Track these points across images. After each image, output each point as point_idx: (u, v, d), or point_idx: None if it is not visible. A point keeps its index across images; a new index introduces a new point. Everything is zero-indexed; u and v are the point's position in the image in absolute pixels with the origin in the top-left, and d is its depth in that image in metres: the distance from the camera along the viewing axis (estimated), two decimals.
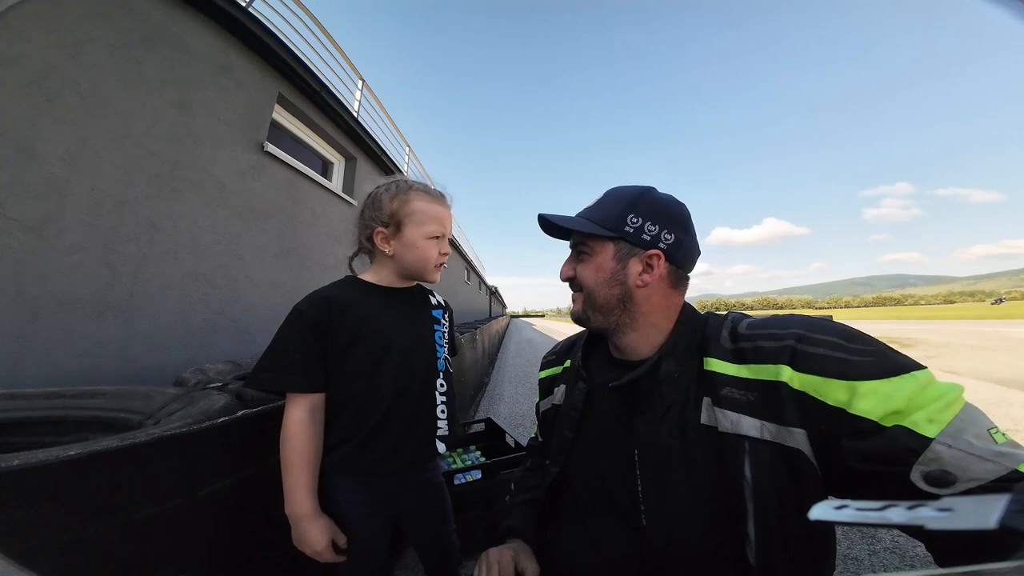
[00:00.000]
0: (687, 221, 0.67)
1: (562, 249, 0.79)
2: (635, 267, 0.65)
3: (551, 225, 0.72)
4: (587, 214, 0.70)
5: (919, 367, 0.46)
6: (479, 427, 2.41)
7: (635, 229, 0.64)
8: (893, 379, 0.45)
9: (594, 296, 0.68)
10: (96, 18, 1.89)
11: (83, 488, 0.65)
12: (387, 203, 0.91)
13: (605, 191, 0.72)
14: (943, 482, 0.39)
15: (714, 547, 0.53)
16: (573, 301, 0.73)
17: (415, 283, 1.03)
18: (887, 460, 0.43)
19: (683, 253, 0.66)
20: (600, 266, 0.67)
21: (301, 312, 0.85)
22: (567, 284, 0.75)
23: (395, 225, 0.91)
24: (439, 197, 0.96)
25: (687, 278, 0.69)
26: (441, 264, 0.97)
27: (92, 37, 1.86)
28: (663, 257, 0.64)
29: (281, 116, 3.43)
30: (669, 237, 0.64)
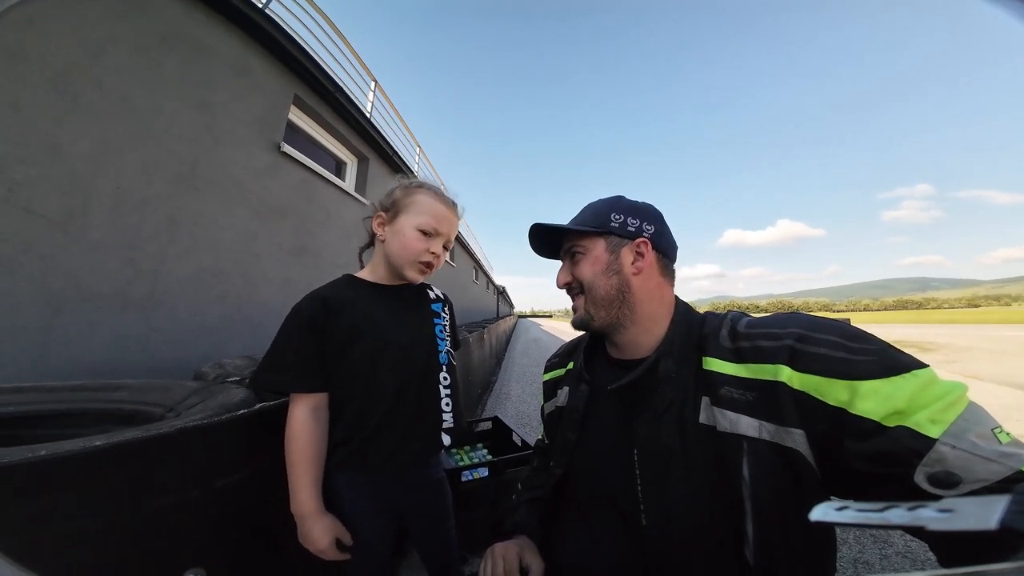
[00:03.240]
0: (660, 216, 0.72)
1: None
2: (627, 256, 0.69)
3: (541, 244, 0.78)
4: (572, 223, 0.75)
5: (921, 366, 0.46)
6: (486, 425, 2.42)
7: (619, 224, 0.69)
8: (894, 378, 0.44)
9: (595, 289, 0.70)
10: (117, 18, 1.94)
11: (107, 478, 0.67)
12: (395, 192, 0.94)
13: (583, 207, 0.77)
14: (948, 484, 0.39)
15: (714, 547, 0.53)
16: (574, 310, 0.75)
17: None
18: (890, 461, 0.42)
19: (666, 243, 0.71)
20: (596, 259, 0.70)
21: (299, 312, 0.86)
22: (565, 291, 0.78)
23: (393, 211, 0.93)
24: (446, 199, 0.96)
25: (673, 270, 0.73)
26: (427, 263, 0.93)
27: (113, 37, 1.91)
28: (650, 244, 0.68)
29: (297, 117, 3.48)
30: (650, 228, 0.70)
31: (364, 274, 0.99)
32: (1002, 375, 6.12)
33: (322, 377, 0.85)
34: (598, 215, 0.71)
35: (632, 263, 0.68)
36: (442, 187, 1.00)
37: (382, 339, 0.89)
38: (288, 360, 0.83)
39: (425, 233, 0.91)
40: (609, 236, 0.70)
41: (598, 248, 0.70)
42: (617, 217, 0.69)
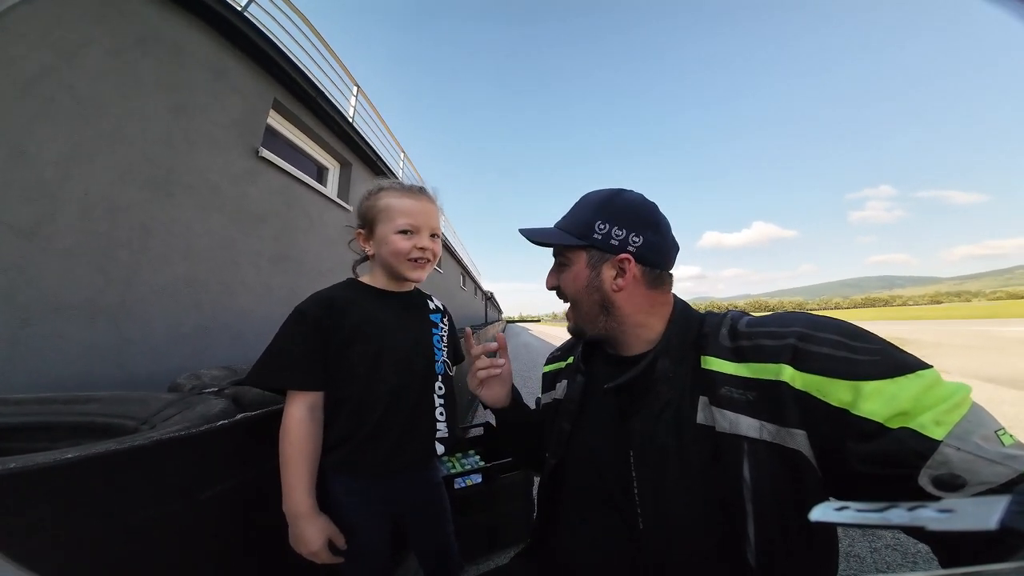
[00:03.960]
0: (657, 220, 0.67)
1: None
2: (608, 273, 0.66)
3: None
4: (562, 223, 0.72)
5: (925, 366, 0.45)
6: (478, 431, 2.40)
7: (603, 236, 0.65)
8: (898, 379, 0.44)
9: (578, 305, 0.70)
10: (92, 21, 1.88)
11: (81, 492, 0.64)
12: (362, 205, 0.94)
13: (580, 197, 0.73)
14: (952, 486, 0.38)
15: (712, 548, 0.53)
16: (567, 318, 0.75)
17: (412, 286, 1.02)
18: (893, 463, 0.42)
19: (656, 253, 0.66)
20: (577, 275, 0.69)
21: (303, 312, 0.85)
22: (555, 294, 0.76)
23: (369, 225, 0.93)
24: (412, 191, 0.94)
25: (668, 275, 0.69)
26: (419, 259, 0.92)
27: (88, 40, 1.85)
28: (633, 260, 0.65)
29: (276, 121, 3.42)
30: (637, 240, 0.65)
31: (365, 279, 0.99)
32: (969, 369, 6.35)
33: (322, 376, 0.84)
34: (584, 221, 0.68)
35: (613, 279, 0.66)
36: (419, 182, 0.99)
37: (383, 340, 0.89)
38: (290, 358, 0.82)
39: (406, 232, 0.90)
40: (590, 250, 0.67)
41: (580, 262, 0.68)
42: (602, 227, 0.65)
